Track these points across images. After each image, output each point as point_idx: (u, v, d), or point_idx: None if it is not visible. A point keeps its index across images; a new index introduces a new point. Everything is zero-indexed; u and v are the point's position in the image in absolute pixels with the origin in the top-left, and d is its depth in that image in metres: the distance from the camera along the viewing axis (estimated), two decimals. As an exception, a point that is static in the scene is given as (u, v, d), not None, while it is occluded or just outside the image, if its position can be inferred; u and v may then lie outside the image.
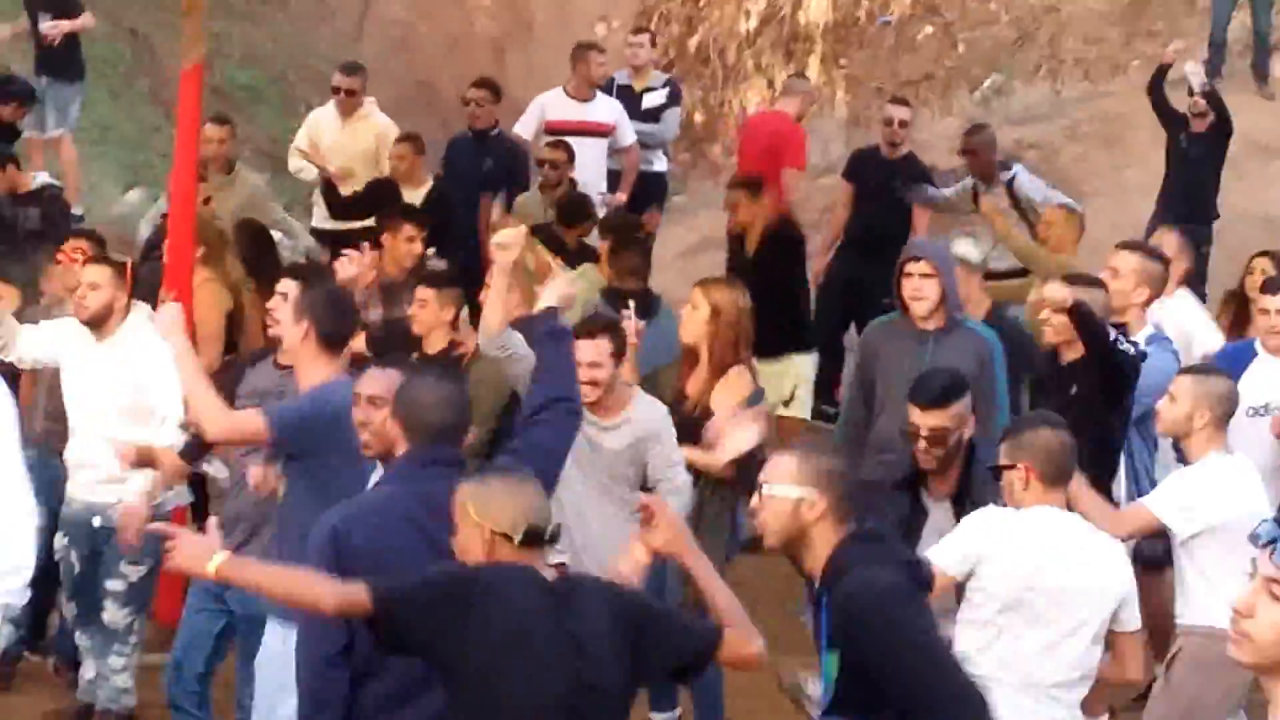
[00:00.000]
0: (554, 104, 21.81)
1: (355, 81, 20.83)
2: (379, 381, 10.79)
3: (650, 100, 22.54)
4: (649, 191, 21.83)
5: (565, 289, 11.40)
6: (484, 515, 8.65)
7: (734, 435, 10.59)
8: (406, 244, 16.58)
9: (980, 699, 8.76)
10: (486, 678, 8.41)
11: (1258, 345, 14.22)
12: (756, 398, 13.73)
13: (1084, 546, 10.02)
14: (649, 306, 15.59)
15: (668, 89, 23.16)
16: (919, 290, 14.62)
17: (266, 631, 11.58)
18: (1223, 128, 21.31)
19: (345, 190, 20.05)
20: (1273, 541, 5.40)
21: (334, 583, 8.85)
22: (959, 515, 11.09)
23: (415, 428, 10.22)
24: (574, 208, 18.98)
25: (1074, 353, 13.67)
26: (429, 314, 14.91)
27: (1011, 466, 9.97)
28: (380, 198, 18.88)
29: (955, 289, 15.01)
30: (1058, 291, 14.12)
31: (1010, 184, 20.19)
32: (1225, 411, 11.92)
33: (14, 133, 20.12)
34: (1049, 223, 19.13)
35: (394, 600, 8.57)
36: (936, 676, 8.75)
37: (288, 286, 12.51)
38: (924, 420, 11.36)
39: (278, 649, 11.22)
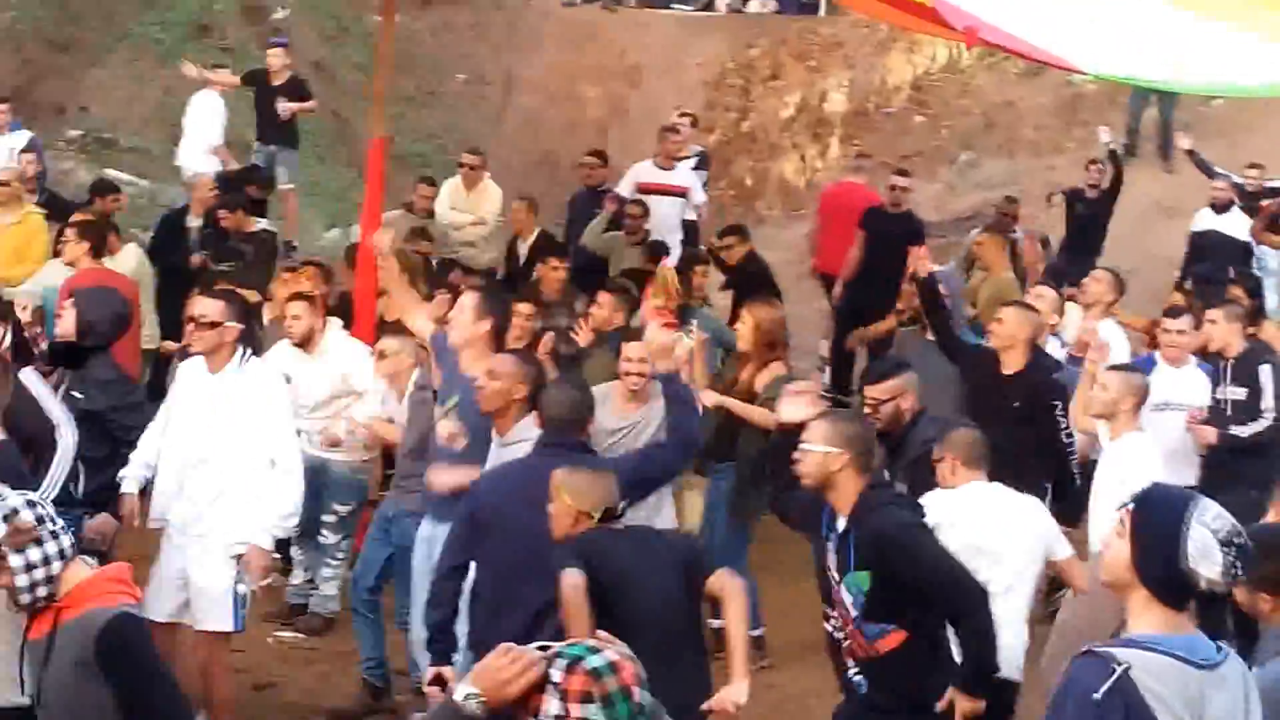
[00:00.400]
0: (644, 171, 21.55)
1: (477, 160, 21.15)
2: (504, 362, 10.93)
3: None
4: (687, 234, 21.38)
5: (661, 340, 10.95)
6: (574, 498, 8.99)
7: (791, 404, 10.75)
8: (553, 271, 16.64)
9: (981, 591, 8.97)
10: (617, 601, 8.54)
11: (1157, 356, 14.11)
12: (786, 379, 12.41)
13: (1006, 508, 10.15)
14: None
15: (699, 157, 22.95)
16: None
17: (421, 525, 11.46)
18: (1114, 187, 21.44)
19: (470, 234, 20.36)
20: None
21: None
22: (893, 463, 11.13)
23: (547, 418, 10.35)
24: (655, 248, 18.90)
25: (1014, 366, 13.30)
26: (604, 312, 14.60)
27: (941, 459, 10.21)
28: (547, 251, 18.69)
29: (960, 310, 15.21)
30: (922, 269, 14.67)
31: (1013, 239, 19.89)
32: (1140, 401, 12.14)
33: (260, 203, 20.04)
34: (979, 243, 19.46)
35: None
36: (952, 580, 8.92)
37: (469, 295, 12.29)
38: (870, 392, 11.57)
39: (425, 535, 11.30)
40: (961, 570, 8.96)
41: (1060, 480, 12.62)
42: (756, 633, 12.22)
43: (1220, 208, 19.73)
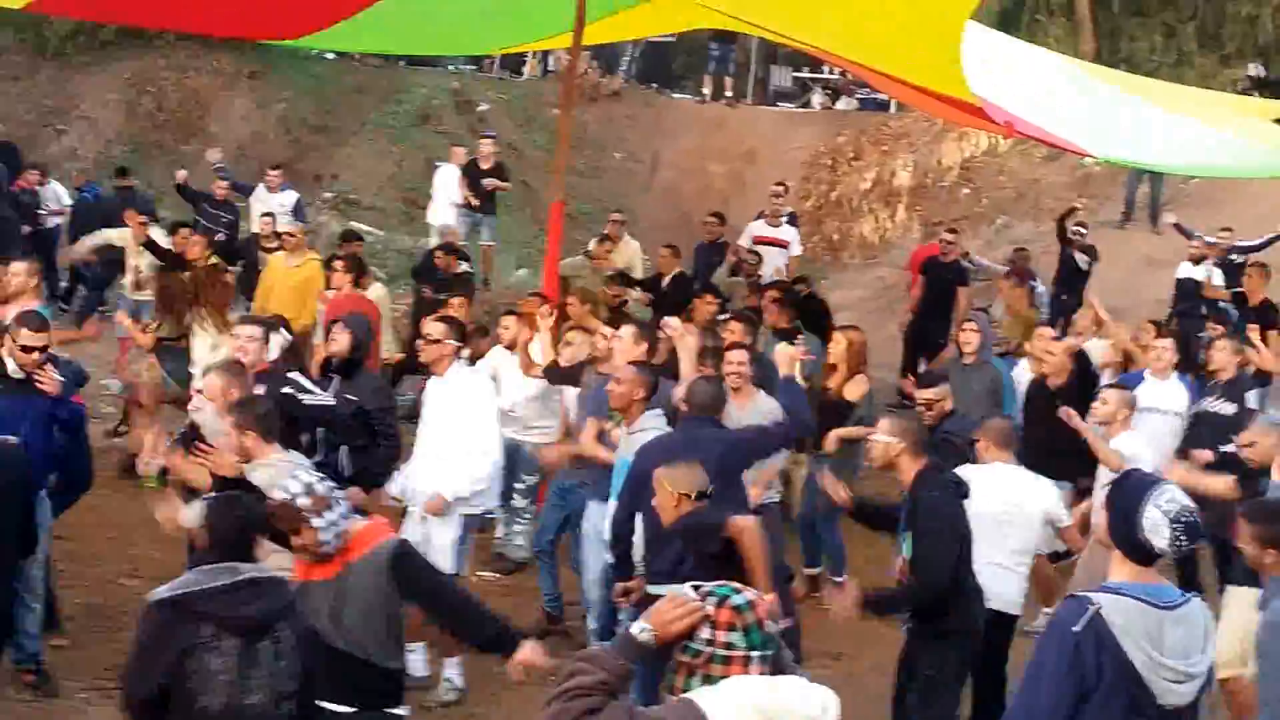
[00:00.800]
0: (757, 227, 21.52)
1: (620, 219, 20.77)
2: (627, 371, 10.82)
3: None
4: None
5: (791, 353, 10.97)
6: (672, 484, 8.83)
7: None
8: (707, 305, 15.96)
9: (940, 576, 8.97)
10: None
11: (1146, 372, 13.90)
12: (869, 394, 13.42)
13: (1019, 485, 10.05)
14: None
15: (789, 216, 22.58)
16: (969, 341, 14.55)
17: (588, 508, 11.38)
18: (1091, 251, 20.82)
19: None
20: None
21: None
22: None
23: (694, 404, 10.33)
24: (762, 289, 18.27)
25: (1058, 380, 13.74)
26: (736, 335, 13.69)
27: (978, 440, 10.21)
28: (681, 285, 18.53)
29: (990, 340, 15.02)
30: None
31: (1032, 286, 19.78)
32: (1131, 410, 12.24)
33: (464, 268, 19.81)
34: (999, 288, 19.58)
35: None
36: (928, 555, 8.91)
37: (629, 326, 12.44)
38: (920, 395, 11.73)
39: (596, 515, 11.15)
40: (941, 554, 8.91)
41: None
42: (840, 579, 12.10)
43: (1196, 261, 19.61)
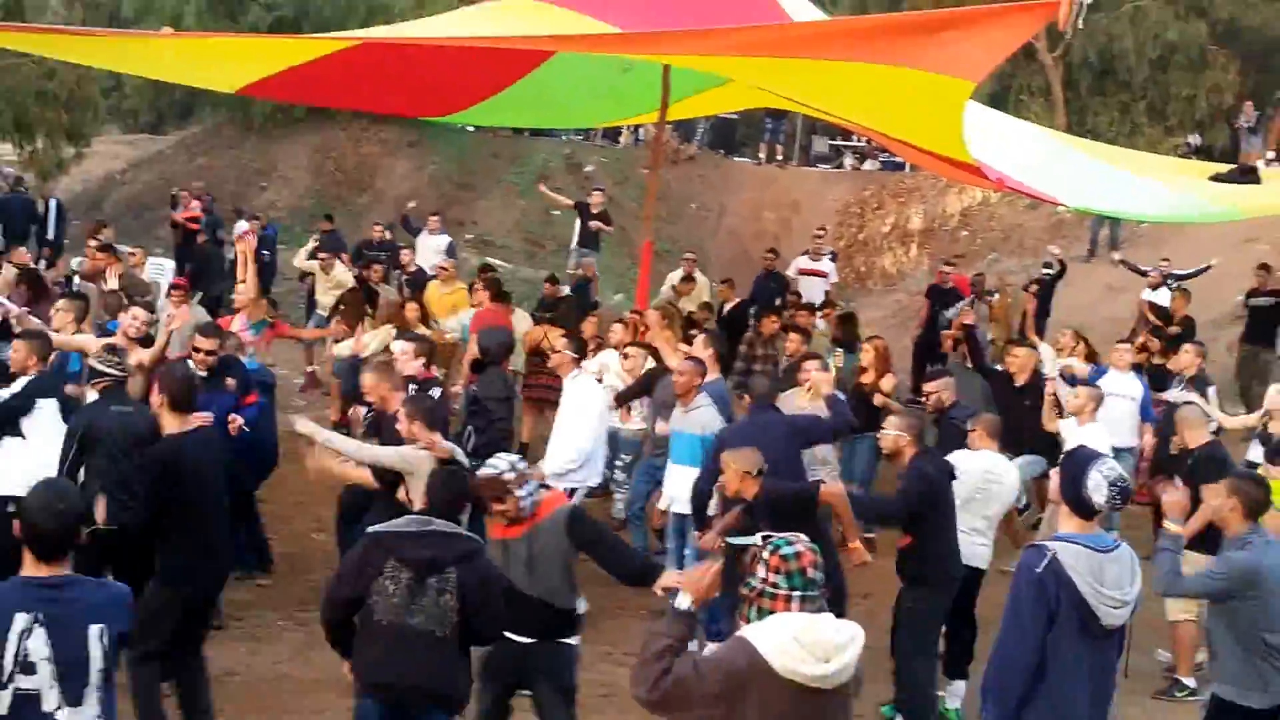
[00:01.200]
0: (802, 262, 21.53)
1: (693, 257, 20.38)
2: (685, 364, 10.91)
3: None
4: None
5: (825, 377, 11.12)
6: (737, 464, 8.80)
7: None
8: (771, 323, 15.62)
9: (898, 511, 9.15)
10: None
11: (1110, 368, 13.92)
12: (897, 388, 13.34)
13: (999, 469, 9.83)
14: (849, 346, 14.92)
15: (830, 254, 22.72)
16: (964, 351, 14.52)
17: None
18: (1057, 277, 20.26)
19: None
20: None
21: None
22: (933, 427, 11.04)
23: (756, 395, 10.40)
24: (809, 309, 17.94)
25: (1024, 378, 13.35)
26: (794, 345, 13.88)
27: (974, 430, 9.94)
28: (739, 311, 18.33)
29: (984, 351, 14.99)
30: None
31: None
32: (1098, 405, 12.04)
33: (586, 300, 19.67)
34: (992, 302, 19.23)
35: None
36: (907, 490, 9.01)
37: (703, 335, 12.43)
38: (926, 387, 11.50)
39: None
40: (911, 492, 8.96)
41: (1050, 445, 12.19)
42: (870, 535, 11.83)
43: (1155, 287, 19.31)
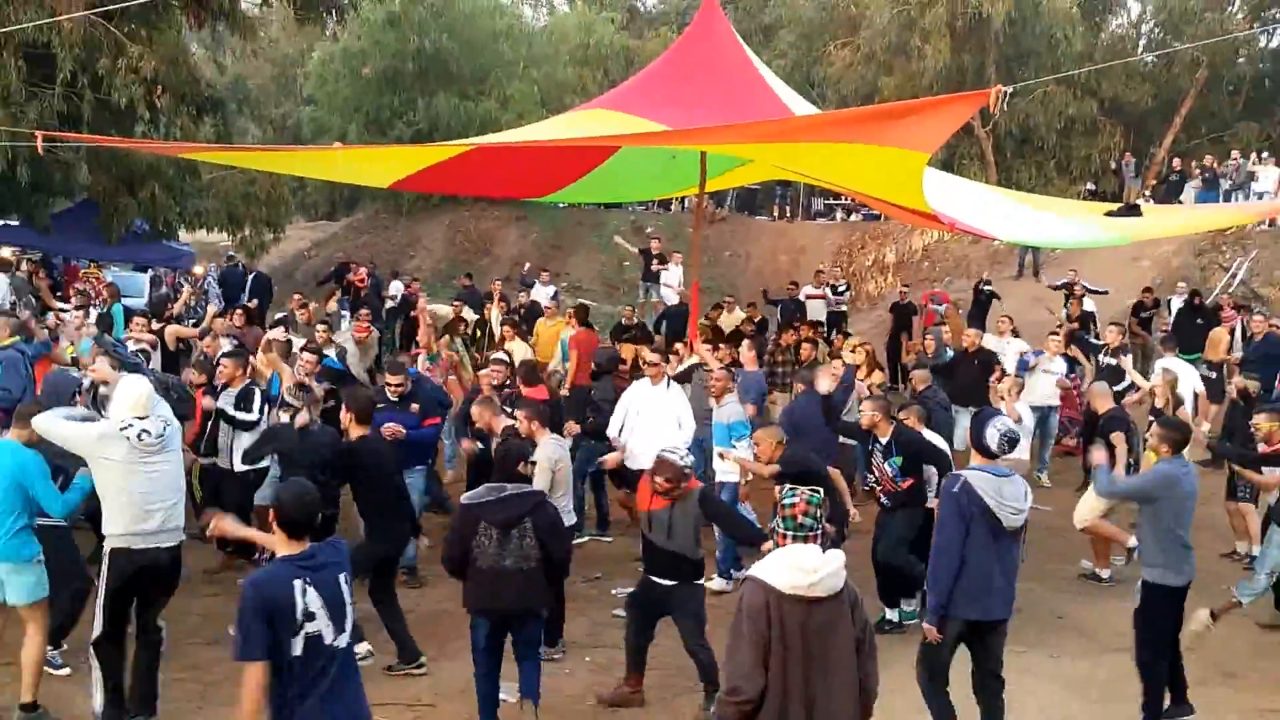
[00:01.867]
0: (809, 289, 21.45)
1: (731, 299, 19.80)
2: (720, 374, 10.31)
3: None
4: (837, 319, 21.09)
5: (832, 372, 10.46)
6: (769, 437, 8.60)
7: (824, 379, 9.92)
8: (791, 335, 15.44)
9: (941, 455, 8.80)
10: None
11: (1044, 352, 13.84)
12: (884, 385, 13.15)
13: (938, 438, 9.31)
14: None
15: (845, 285, 22.62)
16: (930, 346, 14.46)
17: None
18: (992, 295, 20.12)
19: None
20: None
21: None
22: (913, 400, 10.58)
23: (805, 385, 10.35)
24: (815, 325, 18.13)
25: (972, 350, 13.57)
26: (809, 352, 13.82)
27: (905, 417, 9.30)
28: (759, 329, 17.68)
29: (942, 349, 14.69)
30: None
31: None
32: (1021, 387, 12.20)
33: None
34: (945, 315, 18.93)
35: None
36: (932, 450, 8.78)
37: (747, 341, 12.34)
38: (913, 374, 11.45)
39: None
40: (925, 445, 8.76)
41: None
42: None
43: (1080, 297, 19.02)
